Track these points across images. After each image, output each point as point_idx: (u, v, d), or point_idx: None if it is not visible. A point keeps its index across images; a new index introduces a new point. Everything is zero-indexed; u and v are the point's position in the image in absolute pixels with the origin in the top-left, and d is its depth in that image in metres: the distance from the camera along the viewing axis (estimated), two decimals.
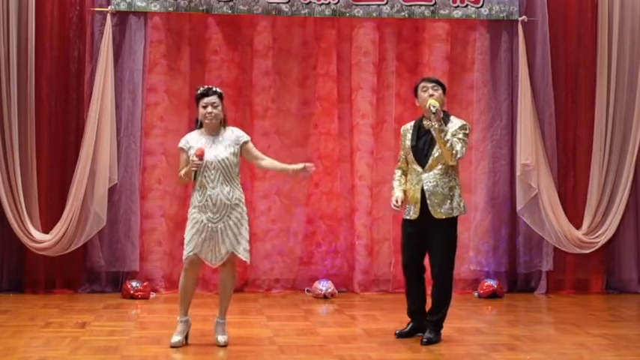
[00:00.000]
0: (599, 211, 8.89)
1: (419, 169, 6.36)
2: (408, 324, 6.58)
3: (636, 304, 8.47)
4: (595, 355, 6.13)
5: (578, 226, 8.88)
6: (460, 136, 6.29)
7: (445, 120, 6.31)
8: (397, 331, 6.57)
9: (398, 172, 6.59)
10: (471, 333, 6.79)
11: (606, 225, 8.88)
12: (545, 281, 8.88)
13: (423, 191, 6.32)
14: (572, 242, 8.82)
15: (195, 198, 6.15)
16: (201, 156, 6.07)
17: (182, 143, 6.32)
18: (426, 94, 6.35)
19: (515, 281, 8.99)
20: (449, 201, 6.31)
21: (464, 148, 6.31)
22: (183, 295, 6.24)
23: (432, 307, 6.43)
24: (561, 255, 8.88)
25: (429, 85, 6.40)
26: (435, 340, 6.35)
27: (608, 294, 8.91)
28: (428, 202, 6.30)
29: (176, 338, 6.17)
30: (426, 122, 6.33)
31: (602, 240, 8.87)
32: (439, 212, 6.29)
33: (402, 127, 6.64)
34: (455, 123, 6.36)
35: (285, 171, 6.44)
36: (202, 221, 6.09)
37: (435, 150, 6.29)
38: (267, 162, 6.37)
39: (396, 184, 6.53)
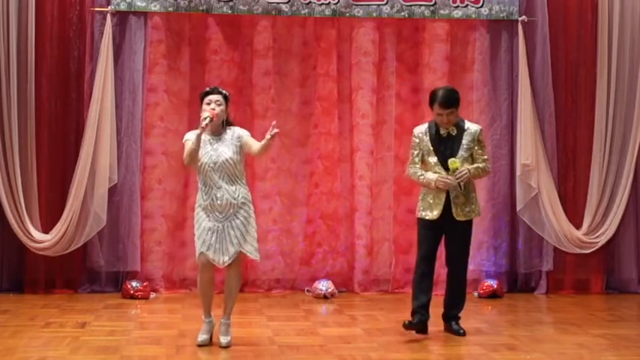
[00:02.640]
0: (599, 211, 8.88)
1: (444, 173, 6.52)
2: (414, 317, 6.57)
3: (636, 304, 8.47)
4: (595, 355, 6.13)
5: (578, 226, 8.87)
6: (481, 151, 6.63)
7: (459, 124, 6.61)
8: (406, 322, 6.49)
9: (416, 168, 6.64)
10: (471, 333, 6.78)
11: (606, 225, 8.88)
12: (545, 281, 8.88)
13: (447, 194, 6.50)
14: (572, 242, 8.82)
15: (201, 197, 6.15)
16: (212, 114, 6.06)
17: (187, 136, 6.23)
18: (440, 119, 6.55)
19: (515, 281, 8.99)
20: (470, 204, 6.57)
21: (488, 159, 6.79)
22: (203, 296, 6.26)
23: (454, 302, 6.73)
24: (561, 255, 8.88)
25: (444, 112, 6.53)
26: (464, 329, 6.66)
27: (608, 294, 8.91)
28: (452, 204, 6.50)
29: (202, 337, 6.19)
30: (442, 132, 6.58)
31: (602, 240, 8.86)
32: (461, 214, 6.54)
33: (416, 130, 6.73)
34: (469, 131, 6.62)
35: (267, 144, 6.11)
36: (210, 221, 6.09)
37: (459, 155, 6.52)
38: (257, 147, 6.23)
39: (422, 172, 6.59)
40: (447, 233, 6.62)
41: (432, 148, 6.58)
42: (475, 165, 6.57)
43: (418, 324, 6.53)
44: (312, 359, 5.93)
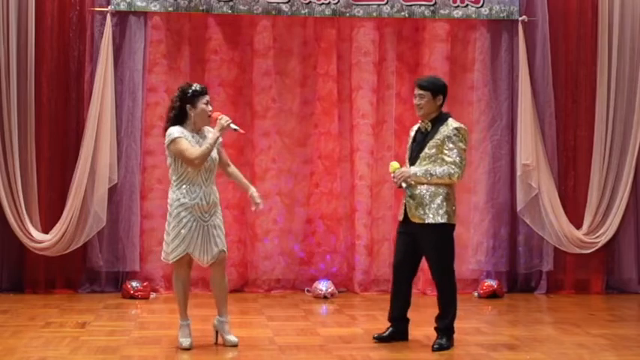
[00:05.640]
0: (600, 211, 8.89)
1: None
2: (388, 328, 6.41)
3: (636, 304, 8.47)
4: (595, 355, 6.13)
5: (578, 226, 8.87)
6: (448, 152, 6.11)
7: (441, 120, 6.21)
8: (376, 335, 6.42)
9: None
10: (471, 333, 6.79)
11: (606, 225, 8.88)
12: (546, 281, 8.88)
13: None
14: (573, 242, 8.82)
15: (184, 196, 6.05)
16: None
17: (178, 134, 6.06)
18: (415, 101, 6.29)
19: (515, 281, 8.99)
20: (427, 206, 6.13)
21: (460, 163, 6.12)
22: (184, 297, 6.23)
23: (439, 313, 6.30)
24: (561, 255, 8.88)
25: (415, 92, 6.27)
26: (447, 345, 6.19)
27: (608, 294, 8.91)
28: (406, 203, 6.23)
29: (188, 340, 6.13)
30: (421, 126, 6.31)
31: (603, 240, 8.86)
32: (415, 215, 6.16)
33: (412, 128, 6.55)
34: (445, 128, 6.16)
35: (244, 187, 6.39)
36: (195, 220, 6.06)
37: (423, 152, 6.19)
38: (234, 170, 6.40)
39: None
40: (416, 237, 6.20)
41: (409, 143, 6.39)
42: (424, 168, 6.13)
43: (389, 337, 6.36)
44: (312, 359, 5.93)
